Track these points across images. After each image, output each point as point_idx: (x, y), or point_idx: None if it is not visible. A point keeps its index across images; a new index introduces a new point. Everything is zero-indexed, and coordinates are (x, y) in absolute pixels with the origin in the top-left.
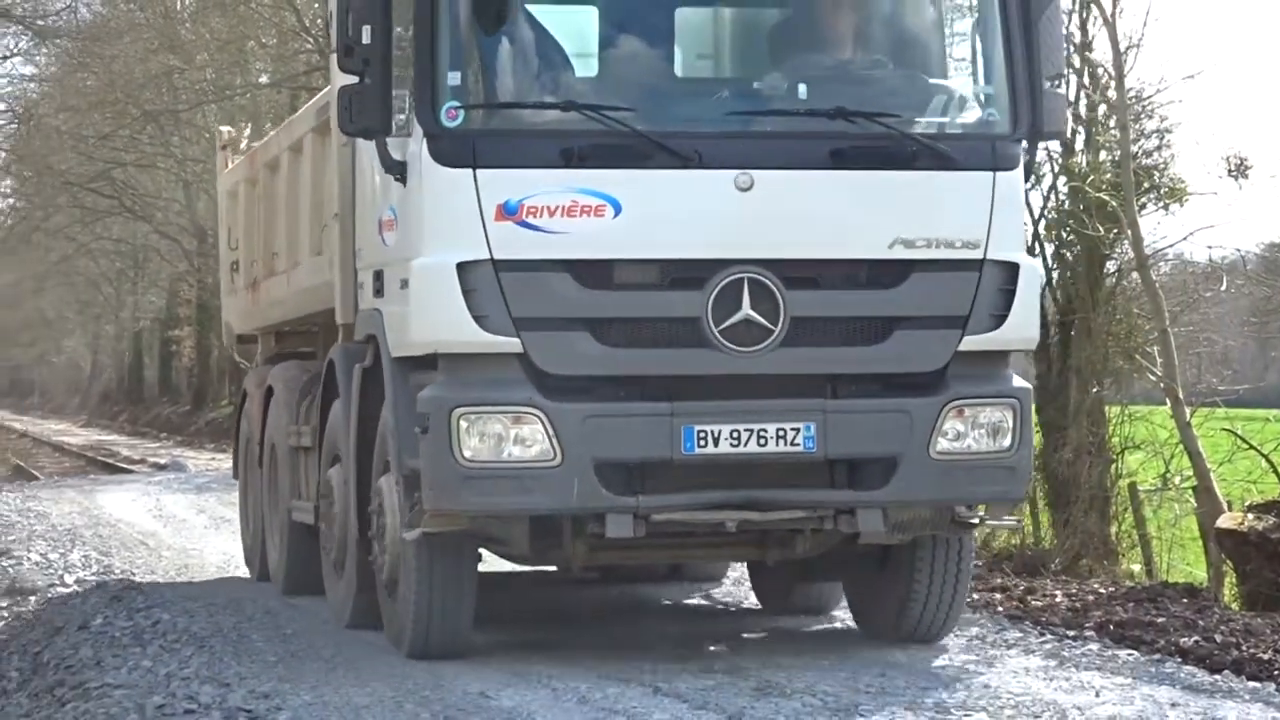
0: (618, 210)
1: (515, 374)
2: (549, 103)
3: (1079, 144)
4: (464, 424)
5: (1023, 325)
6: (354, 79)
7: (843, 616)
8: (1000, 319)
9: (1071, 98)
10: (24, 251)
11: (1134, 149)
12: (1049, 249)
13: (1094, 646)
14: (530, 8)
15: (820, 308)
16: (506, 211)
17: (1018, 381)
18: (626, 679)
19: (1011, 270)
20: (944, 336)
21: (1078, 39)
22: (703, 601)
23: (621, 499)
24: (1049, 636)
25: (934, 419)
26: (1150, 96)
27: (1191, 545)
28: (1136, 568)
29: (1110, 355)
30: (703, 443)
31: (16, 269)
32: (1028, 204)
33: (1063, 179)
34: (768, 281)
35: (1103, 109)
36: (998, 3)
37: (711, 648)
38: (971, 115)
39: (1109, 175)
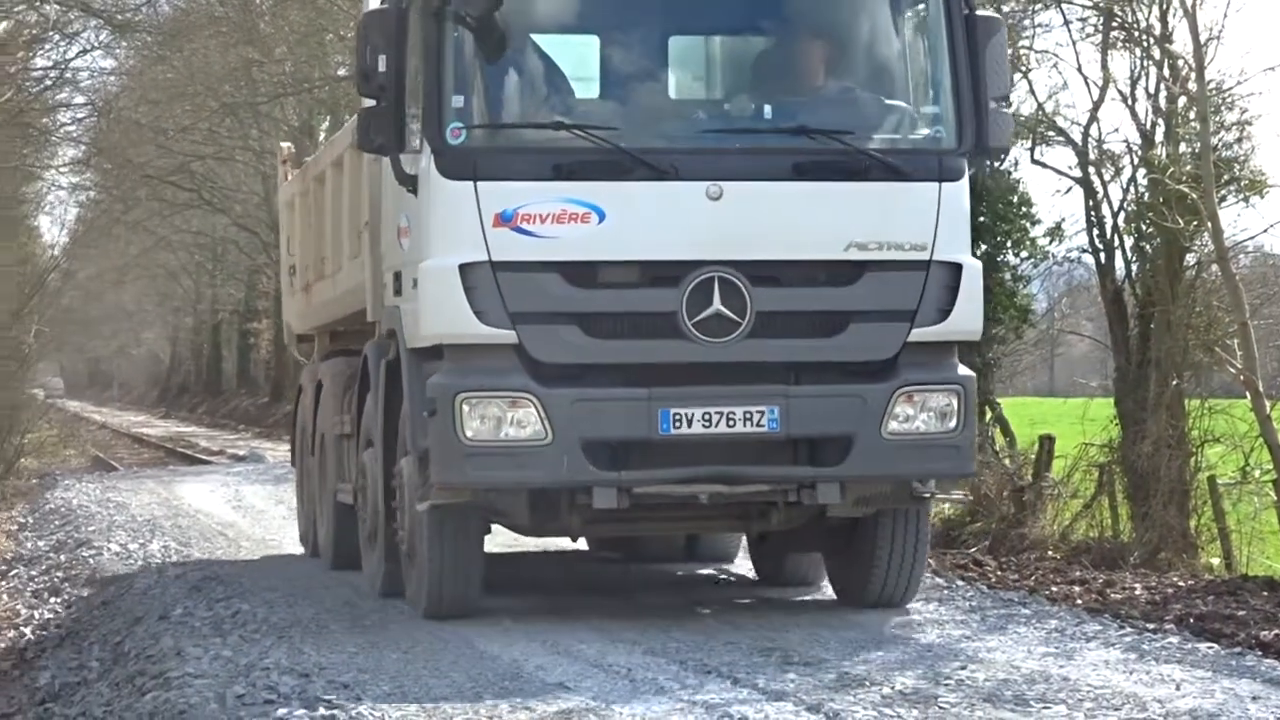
0: (602, 217)
1: (512, 363)
2: (540, 123)
3: (1159, 136)
4: (466, 407)
5: (966, 318)
6: (372, 102)
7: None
8: (945, 313)
9: (1151, 89)
10: (104, 244)
11: (1214, 141)
12: (1128, 242)
13: (1174, 640)
14: (522, 37)
15: (783, 303)
16: (503, 219)
17: (962, 370)
18: (706, 669)
19: (956, 270)
20: (895, 329)
21: (1158, 31)
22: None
23: (606, 474)
24: (1128, 629)
25: (885, 403)
26: (1231, 88)
27: (1271, 539)
28: (1216, 561)
29: (1190, 348)
30: (678, 424)
31: (97, 262)
32: (1107, 196)
33: (1142, 171)
34: (736, 280)
35: (1183, 101)
36: (945, 32)
37: (790, 638)
38: (920, 132)
39: (1189, 167)
